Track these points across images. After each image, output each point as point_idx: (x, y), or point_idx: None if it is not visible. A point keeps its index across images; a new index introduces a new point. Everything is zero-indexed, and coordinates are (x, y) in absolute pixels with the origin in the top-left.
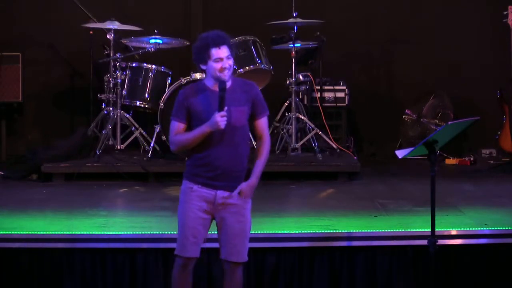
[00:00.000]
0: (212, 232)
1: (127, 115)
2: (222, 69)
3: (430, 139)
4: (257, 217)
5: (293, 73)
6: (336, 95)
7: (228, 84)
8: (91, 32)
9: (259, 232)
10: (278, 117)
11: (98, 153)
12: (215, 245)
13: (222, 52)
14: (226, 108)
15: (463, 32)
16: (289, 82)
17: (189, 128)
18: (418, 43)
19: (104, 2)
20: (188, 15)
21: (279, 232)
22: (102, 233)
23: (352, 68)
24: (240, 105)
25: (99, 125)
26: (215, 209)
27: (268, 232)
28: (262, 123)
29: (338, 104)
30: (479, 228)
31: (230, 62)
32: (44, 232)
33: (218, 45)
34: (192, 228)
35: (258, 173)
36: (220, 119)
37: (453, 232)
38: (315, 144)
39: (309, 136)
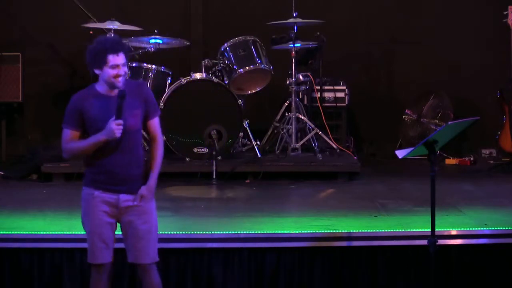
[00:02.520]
0: (212, 232)
1: None
2: (117, 76)
3: (430, 139)
4: (257, 217)
5: (293, 73)
6: (336, 95)
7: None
8: (91, 32)
9: (259, 232)
10: (278, 117)
11: None
12: (216, 245)
13: (120, 59)
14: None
15: (463, 32)
16: (289, 82)
17: (84, 134)
18: (418, 43)
19: (104, 2)
20: (188, 15)
21: (279, 232)
22: None
23: (352, 68)
24: (134, 108)
25: None
26: (120, 213)
27: (268, 232)
28: (155, 123)
29: (338, 104)
30: (479, 228)
31: (126, 69)
32: (44, 232)
33: (116, 51)
34: (100, 234)
35: (155, 175)
36: (116, 127)
37: (453, 232)
38: (315, 144)
39: (309, 136)
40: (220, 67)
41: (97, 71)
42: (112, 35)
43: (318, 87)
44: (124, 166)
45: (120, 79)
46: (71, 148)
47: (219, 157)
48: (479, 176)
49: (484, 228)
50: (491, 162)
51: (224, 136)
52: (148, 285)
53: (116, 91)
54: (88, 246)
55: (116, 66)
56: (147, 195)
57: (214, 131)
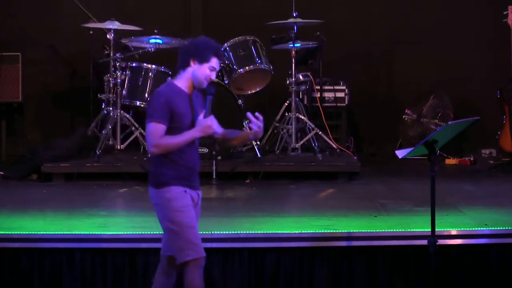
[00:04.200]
0: (212, 232)
1: (127, 115)
2: (209, 78)
3: (430, 139)
4: (257, 217)
5: (293, 73)
6: (336, 95)
7: (195, 90)
8: (91, 32)
9: (259, 232)
10: (278, 117)
11: (98, 153)
12: (215, 245)
13: (218, 65)
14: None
15: (463, 32)
16: (289, 82)
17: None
18: (418, 43)
19: (104, 2)
20: (188, 15)
21: (279, 232)
22: (102, 233)
23: (352, 68)
24: (201, 107)
25: (99, 125)
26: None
27: (268, 232)
28: None
29: (338, 104)
30: (479, 228)
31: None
32: (44, 232)
33: (220, 57)
34: (197, 228)
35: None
36: (211, 123)
37: (453, 232)
38: (315, 144)
39: (309, 136)
40: (220, 67)
41: (193, 64)
42: (113, 35)
43: (318, 87)
44: (198, 162)
45: (207, 82)
46: (165, 143)
47: (219, 157)
48: (479, 176)
49: (484, 228)
50: (491, 162)
51: None
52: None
53: (194, 91)
54: (186, 244)
55: (213, 69)
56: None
57: None
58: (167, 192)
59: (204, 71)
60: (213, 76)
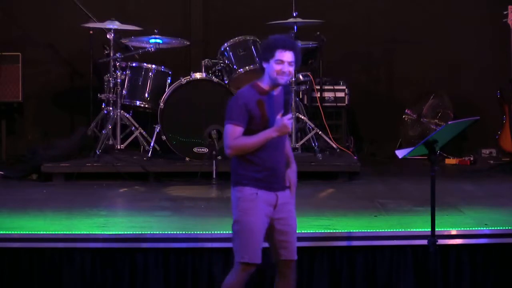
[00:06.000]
0: (212, 232)
1: (127, 115)
2: (280, 72)
3: (430, 139)
4: None
5: (293, 73)
6: (336, 95)
7: (279, 89)
8: (91, 32)
9: None
10: None
11: (98, 153)
12: (216, 245)
13: (286, 56)
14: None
15: (463, 32)
16: (289, 82)
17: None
18: (418, 43)
19: (104, 2)
20: (188, 15)
21: None
22: (102, 233)
23: (352, 68)
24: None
25: (99, 124)
26: (275, 212)
27: None
28: None
29: (338, 104)
30: (479, 228)
31: (291, 69)
32: (44, 232)
33: (284, 48)
34: (261, 234)
35: (296, 170)
36: (288, 122)
37: (453, 232)
38: (315, 144)
39: (309, 136)
40: (220, 67)
41: (264, 64)
42: (112, 35)
43: (318, 87)
44: (280, 163)
45: (284, 76)
46: (242, 145)
47: (219, 157)
48: (479, 176)
49: (484, 228)
50: (491, 162)
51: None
52: (290, 282)
53: (277, 90)
54: (244, 245)
55: (280, 62)
56: (296, 181)
57: (214, 131)
58: (239, 191)
59: (273, 67)
60: (286, 68)
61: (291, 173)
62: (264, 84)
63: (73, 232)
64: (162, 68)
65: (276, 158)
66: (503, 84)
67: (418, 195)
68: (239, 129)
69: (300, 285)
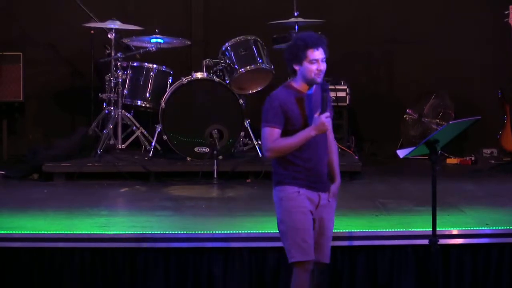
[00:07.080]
0: (213, 232)
1: (128, 115)
2: (317, 71)
3: (431, 138)
4: (257, 216)
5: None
6: (337, 95)
7: (314, 87)
8: (92, 32)
9: (259, 231)
10: None
11: (99, 152)
12: (216, 244)
13: (319, 53)
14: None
15: (463, 31)
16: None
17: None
18: (418, 42)
19: (105, 1)
20: (189, 14)
21: None
22: (103, 232)
23: (353, 68)
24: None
25: (100, 124)
26: (316, 212)
27: (269, 231)
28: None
29: (339, 104)
30: (480, 228)
31: (325, 65)
32: (45, 232)
33: (315, 46)
34: (309, 231)
35: (339, 172)
36: (326, 120)
37: (454, 231)
38: None
39: None
40: (221, 67)
41: (296, 67)
42: (114, 35)
43: None
44: (322, 163)
45: (320, 74)
46: (280, 146)
47: (220, 157)
48: (480, 176)
49: (485, 228)
50: (492, 161)
51: (225, 136)
52: (315, 282)
53: (313, 88)
54: (290, 245)
55: (315, 61)
56: (337, 193)
57: (215, 130)
58: (281, 191)
59: (308, 68)
60: (321, 66)
61: (333, 187)
62: (298, 85)
63: (74, 232)
64: (163, 68)
65: (316, 158)
66: (504, 84)
67: (419, 195)
68: (276, 131)
69: None
